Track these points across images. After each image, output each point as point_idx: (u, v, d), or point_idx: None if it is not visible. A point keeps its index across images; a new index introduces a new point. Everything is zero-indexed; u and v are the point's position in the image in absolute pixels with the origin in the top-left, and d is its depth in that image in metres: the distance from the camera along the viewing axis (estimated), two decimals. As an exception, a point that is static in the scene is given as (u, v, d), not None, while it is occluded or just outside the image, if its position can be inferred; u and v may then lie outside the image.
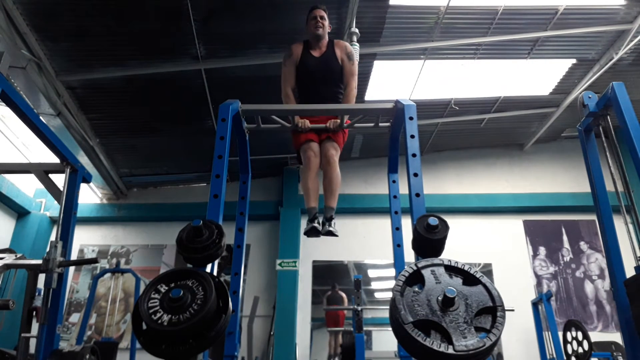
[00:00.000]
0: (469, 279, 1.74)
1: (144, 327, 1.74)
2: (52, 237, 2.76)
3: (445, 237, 1.96)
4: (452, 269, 1.77)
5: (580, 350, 5.12)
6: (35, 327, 2.64)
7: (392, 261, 3.08)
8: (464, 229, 7.31)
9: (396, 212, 3.17)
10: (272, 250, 7.47)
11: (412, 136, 2.52)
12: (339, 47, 3.42)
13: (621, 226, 2.62)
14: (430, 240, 1.95)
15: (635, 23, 5.29)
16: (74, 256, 7.00)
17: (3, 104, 2.48)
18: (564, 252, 7.44)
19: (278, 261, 7.03)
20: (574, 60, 6.00)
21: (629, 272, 2.42)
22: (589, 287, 7.19)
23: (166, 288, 1.80)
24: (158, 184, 8.07)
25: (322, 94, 3.32)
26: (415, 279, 1.74)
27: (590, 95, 2.77)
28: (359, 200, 7.46)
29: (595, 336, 6.11)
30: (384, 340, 6.63)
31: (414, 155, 2.42)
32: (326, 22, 3.46)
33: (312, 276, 7.33)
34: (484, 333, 1.57)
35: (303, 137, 3.30)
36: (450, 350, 1.51)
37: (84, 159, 6.16)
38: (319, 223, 3.11)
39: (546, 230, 7.58)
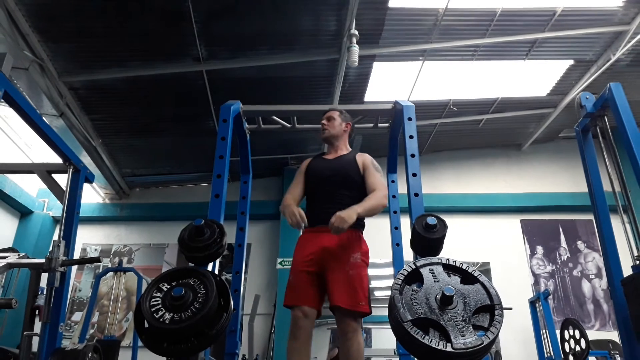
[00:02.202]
0: (467, 277, 1.76)
1: (146, 325, 1.76)
2: (55, 237, 2.78)
3: (443, 236, 1.99)
4: (451, 268, 1.79)
5: (578, 348, 5.13)
6: (37, 325, 2.66)
7: (391, 260, 3.11)
8: (462, 228, 7.31)
9: (395, 212, 3.21)
10: (273, 249, 7.49)
11: (411, 136, 2.56)
12: (362, 156, 2.81)
13: (618, 226, 2.64)
14: (428, 240, 1.97)
15: (632, 24, 5.31)
16: (76, 255, 7.04)
17: (6, 104, 2.51)
18: (562, 251, 7.46)
19: (278, 260, 7.04)
20: (571, 61, 6.02)
21: (626, 271, 2.46)
22: (586, 286, 7.22)
23: (168, 287, 1.82)
24: (160, 184, 8.08)
25: (330, 196, 2.63)
26: (414, 277, 1.77)
27: (587, 96, 2.79)
28: (358, 200, 7.46)
29: (593, 335, 6.12)
30: (383, 338, 6.64)
31: (412, 155, 2.46)
32: (335, 122, 2.86)
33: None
34: (482, 331, 1.60)
35: (291, 300, 2.44)
36: (449, 348, 1.53)
37: (86, 159, 6.17)
38: None
39: (544, 229, 7.60)
